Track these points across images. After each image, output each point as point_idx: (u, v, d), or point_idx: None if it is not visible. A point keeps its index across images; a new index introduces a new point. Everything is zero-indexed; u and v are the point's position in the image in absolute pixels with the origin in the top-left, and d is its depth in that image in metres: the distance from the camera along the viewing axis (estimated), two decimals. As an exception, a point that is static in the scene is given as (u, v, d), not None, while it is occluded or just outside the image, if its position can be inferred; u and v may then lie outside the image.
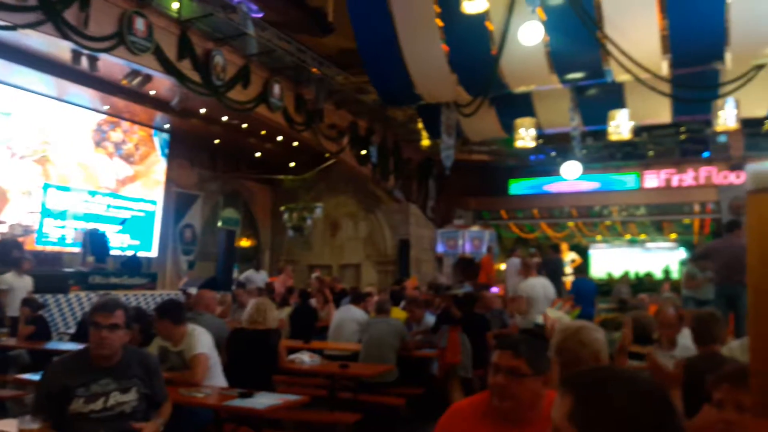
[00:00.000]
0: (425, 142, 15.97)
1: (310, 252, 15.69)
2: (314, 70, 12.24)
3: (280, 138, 13.81)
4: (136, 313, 4.53)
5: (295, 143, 13.83)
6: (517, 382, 1.89)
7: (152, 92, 11.43)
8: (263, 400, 3.69)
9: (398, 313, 7.35)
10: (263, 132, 13.17)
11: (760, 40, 9.59)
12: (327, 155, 13.47)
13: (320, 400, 5.56)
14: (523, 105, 13.28)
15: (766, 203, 1.41)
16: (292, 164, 15.96)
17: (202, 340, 4.10)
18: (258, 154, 15.11)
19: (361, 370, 5.40)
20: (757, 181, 1.43)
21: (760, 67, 10.76)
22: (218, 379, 4.25)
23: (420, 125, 15.14)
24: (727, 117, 11.69)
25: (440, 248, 16.46)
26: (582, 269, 13.00)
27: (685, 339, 3.86)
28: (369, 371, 5.42)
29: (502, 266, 14.66)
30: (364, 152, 13.50)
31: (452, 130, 13.47)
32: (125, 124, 13.48)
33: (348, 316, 7.09)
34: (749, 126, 14.55)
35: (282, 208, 14.41)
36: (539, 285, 7.16)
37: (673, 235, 20.69)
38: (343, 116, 13.28)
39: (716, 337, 3.26)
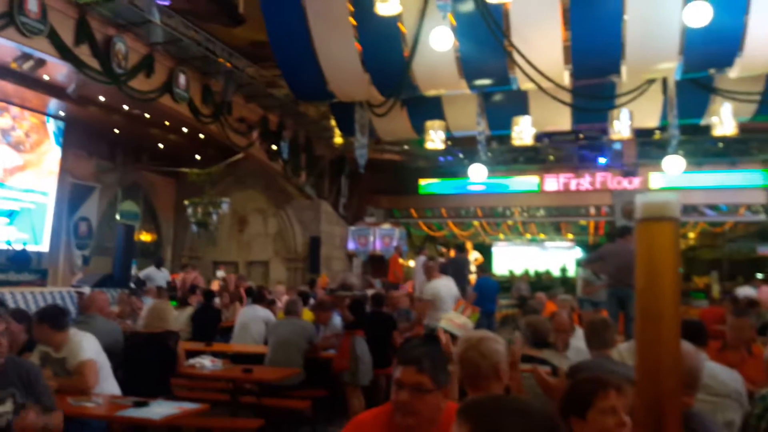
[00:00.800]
0: (338, 139, 15.92)
1: (215, 248, 15.25)
2: (223, 61, 11.87)
3: (185, 130, 13.30)
4: (20, 313, 4.22)
5: (202, 136, 13.37)
6: (420, 397, 1.89)
7: (46, 77, 10.66)
8: (159, 410, 3.54)
9: (307, 314, 7.28)
10: (167, 123, 12.64)
11: (653, 57, 10.25)
12: (236, 149, 13.13)
13: (223, 405, 5.41)
14: (434, 108, 13.53)
15: (653, 231, 1.47)
16: (198, 157, 15.44)
17: (84, 346, 3.88)
18: (161, 146, 14.49)
19: (265, 374, 5.29)
20: (645, 211, 1.49)
21: (651, 81, 11.54)
22: (109, 385, 4.05)
23: (333, 122, 15.11)
24: (621, 126, 12.43)
25: (351, 245, 16.49)
26: (485, 268, 13.45)
27: (579, 341, 4.07)
28: (273, 375, 5.32)
29: (411, 263, 14.89)
30: (274, 147, 13.25)
31: (365, 129, 13.51)
32: (15, 110, 12.50)
33: (253, 316, 6.95)
34: (641, 135, 15.58)
35: (186, 202, 13.89)
36: (443, 286, 7.31)
37: (570, 236, 21.82)
38: (253, 110, 12.98)
39: (607, 342, 3.45)
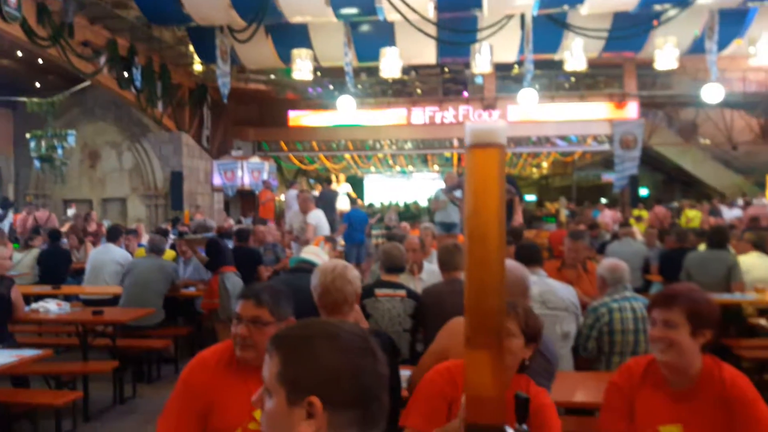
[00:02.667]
0: (198, 67, 15.00)
1: (65, 185, 14.03)
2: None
3: (20, 54, 11.86)
4: None
5: (41, 61, 12.00)
6: (259, 330, 1.88)
7: None
8: (-6, 360, 3.27)
9: (169, 254, 6.99)
10: (-2, 46, 11.20)
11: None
12: (82, 77, 11.95)
13: (77, 350, 5.13)
14: (300, 36, 13.12)
15: (480, 157, 1.49)
16: (38, 85, 13.88)
17: None
18: (-7, 72, 12.86)
19: (116, 315, 5.02)
20: (474, 138, 1.51)
21: (510, 17, 11.92)
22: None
23: (191, 48, 14.15)
24: (482, 61, 12.84)
25: (217, 180, 15.91)
26: (354, 200, 13.57)
27: (432, 264, 4.25)
28: (126, 316, 5.07)
29: (283, 197, 14.68)
30: (126, 75, 12.22)
31: (227, 56, 12.82)
32: None
33: (107, 256, 6.54)
34: (501, 70, 16.18)
35: (28, 136, 12.55)
36: (321, 217, 7.32)
37: (437, 167, 22.59)
38: (98, 33, 11.78)
39: (458, 265, 3.61)
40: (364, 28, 12.98)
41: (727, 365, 1.98)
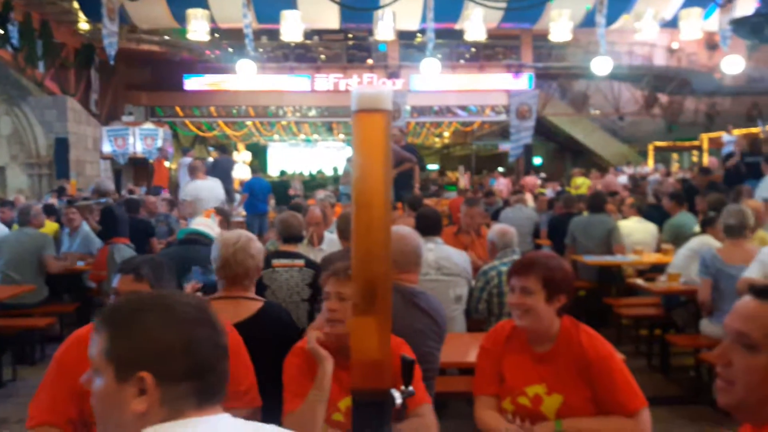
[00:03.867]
0: (84, 25, 13.94)
1: (-68, 153, 12.76)
2: None
3: None
4: None
5: None
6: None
7: None
8: None
9: (50, 227, 6.53)
10: None
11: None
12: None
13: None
14: (196, -6, 12.49)
15: (366, 122, 1.48)
16: None
17: None
18: None
19: (-14, 294, 4.64)
20: (359, 103, 1.48)
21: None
22: None
23: (76, 5, 13.10)
24: (385, 28, 12.79)
25: (107, 148, 14.99)
26: (256, 168, 13.22)
27: (333, 234, 4.23)
28: (1, 295, 4.70)
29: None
30: (1, 32, 11.15)
31: (114, 14, 11.99)
32: None
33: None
34: (404, 38, 16.21)
35: None
36: (206, 188, 7.06)
37: (342, 136, 22.45)
38: (-34, -16, 10.66)
39: (356, 233, 3.60)
40: (264, -13, 12.55)
41: (583, 325, 2.11)
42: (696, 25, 12.19)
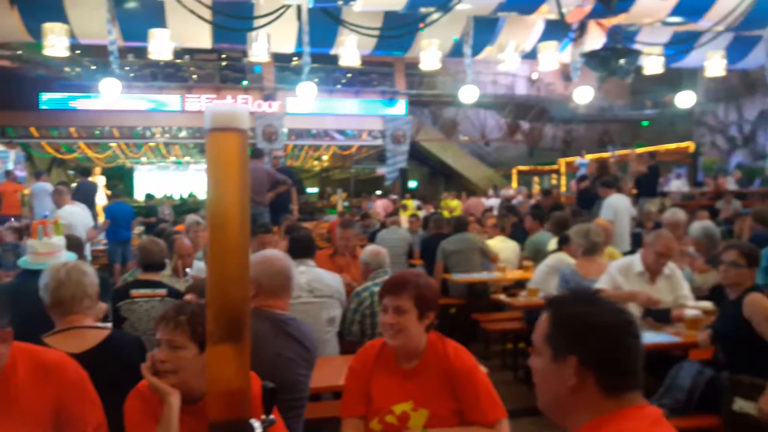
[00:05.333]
0: None
1: None
2: None
3: None
4: None
5: None
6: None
7: None
8: None
9: None
10: None
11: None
12: None
13: None
14: (53, 9, 11.67)
15: (220, 141, 1.43)
16: None
17: None
18: None
19: None
20: (213, 121, 1.44)
21: (287, 8, 11.91)
22: None
23: None
24: (260, 49, 12.65)
25: (-53, 170, 13.49)
26: (119, 193, 12.46)
27: (201, 261, 4.06)
28: None
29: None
30: None
31: (-44, 24, 10.90)
32: None
33: None
34: (280, 60, 16.13)
35: None
36: (77, 213, 6.61)
37: (216, 158, 21.77)
38: None
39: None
40: (131, 4, 11.99)
41: (449, 340, 2.16)
42: (553, 57, 13.17)
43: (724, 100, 17.55)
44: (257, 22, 12.09)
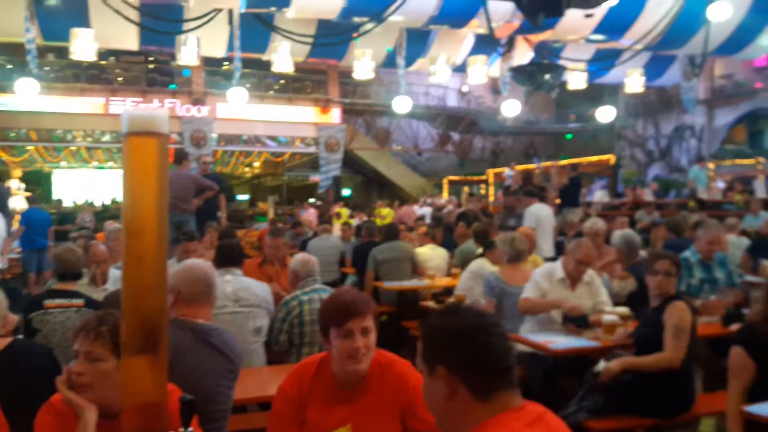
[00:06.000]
0: None
1: None
2: None
3: None
4: None
5: None
6: None
7: None
8: None
9: None
10: None
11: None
12: None
13: None
14: (-36, 3, 11.00)
15: (137, 146, 1.40)
16: None
17: None
18: None
19: None
20: (131, 125, 1.40)
21: (218, 11, 11.70)
22: None
23: None
24: (189, 53, 12.36)
25: None
26: (35, 198, 11.82)
27: (118, 271, 3.90)
28: None
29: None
30: None
31: None
32: None
33: None
34: (210, 64, 15.81)
35: None
36: None
37: (142, 163, 21.05)
38: None
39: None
40: (51, 2, 11.47)
41: (389, 353, 2.05)
42: (482, 70, 13.52)
43: (642, 115, 18.51)
44: (187, 26, 11.82)
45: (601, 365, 3.00)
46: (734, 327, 3.31)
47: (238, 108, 15.17)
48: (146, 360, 1.37)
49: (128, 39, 12.75)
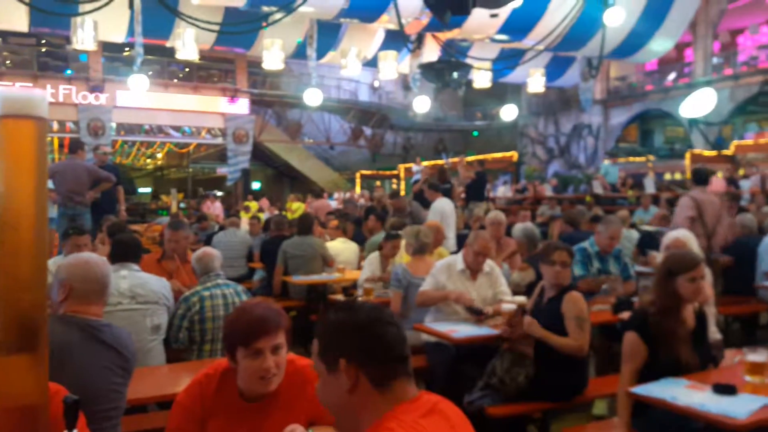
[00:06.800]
0: None
1: None
2: None
3: None
4: None
5: None
6: None
7: None
8: None
9: None
10: None
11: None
12: None
13: None
14: None
15: (13, 129, 1.30)
16: None
17: None
18: None
19: None
20: (6, 107, 1.31)
21: (118, -6, 11.10)
22: None
23: None
24: (86, 36, 11.66)
25: None
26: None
27: None
28: None
29: None
30: None
31: None
32: None
33: None
34: (109, 50, 15.00)
35: None
36: None
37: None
38: None
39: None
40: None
41: (297, 358, 1.94)
42: (392, 66, 13.63)
43: (543, 114, 19.37)
44: (83, 7, 11.13)
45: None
46: (624, 315, 3.52)
47: (139, 96, 14.52)
48: (24, 359, 1.29)
49: (16, 19, 11.87)
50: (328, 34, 13.27)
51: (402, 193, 17.58)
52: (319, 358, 1.30)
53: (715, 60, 15.95)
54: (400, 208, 7.69)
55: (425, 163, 14.21)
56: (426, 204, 7.78)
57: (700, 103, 13.27)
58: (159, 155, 21.26)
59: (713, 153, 13.81)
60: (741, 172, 11.92)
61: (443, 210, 6.76)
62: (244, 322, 1.81)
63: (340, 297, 4.86)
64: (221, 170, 20.44)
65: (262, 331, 1.77)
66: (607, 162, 13.44)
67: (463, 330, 3.46)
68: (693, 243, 3.92)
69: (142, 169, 24.11)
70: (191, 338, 3.23)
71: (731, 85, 15.17)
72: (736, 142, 13.91)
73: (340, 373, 1.25)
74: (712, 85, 14.40)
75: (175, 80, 17.02)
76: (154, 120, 16.52)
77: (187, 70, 17.31)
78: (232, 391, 1.83)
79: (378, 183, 20.26)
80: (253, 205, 13.33)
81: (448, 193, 8.12)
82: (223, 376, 1.85)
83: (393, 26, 12.03)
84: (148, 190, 24.40)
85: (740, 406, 2.19)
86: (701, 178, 5.57)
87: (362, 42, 13.65)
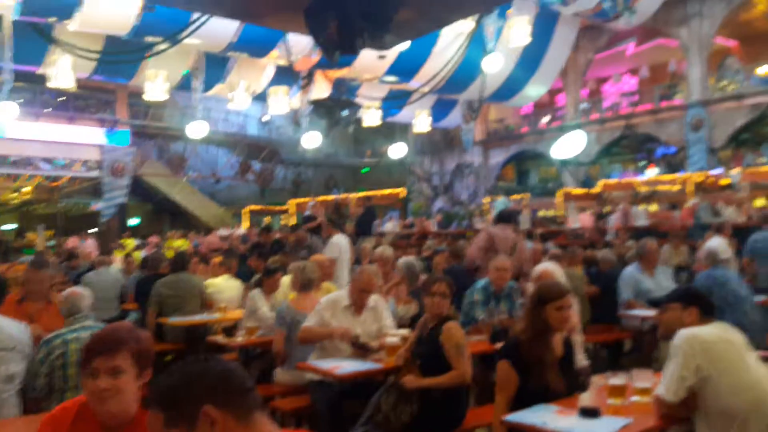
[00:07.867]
0: None
1: None
2: None
3: None
4: None
5: None
6: None
7: None
8: None
9: None
10: None
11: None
12: None
13: None
14: None
15: None
16: None
17: None
18: None
19: None
20: None
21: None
22: None
23: None
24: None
25: None
26: None
27: None
28: None
29: None
30: None
31: None
32: None
33: None
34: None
35: None
36: None
37: None
38: None
39: None
40: None
41: None
42: (283, 101, 13.59)
43: (429, 153, 20.08)
44: (-59, 27, 10.27)
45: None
46: (500, 344, 3.65)
47: (6, 125, 13.45)
48: None
49: None
50: (215, 66, 13.03)
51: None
52: (175, 421, 1.25)
53: (583, 105, 17.36)
54: (300, 240, 7.60)
55: (318, 199, 14.22)
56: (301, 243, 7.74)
57: (570, 145, 14.35)
58: (26, 189, 19.66)
59: (582, 191, 14.88)
60: (607, 209, 12.89)
61: (340, 245, 6.77)
62: (87, 342, 1.90)
63: (220, 338, 4.66)
64: (95, 205, 19.23)
65: (96, 350, 1.80)
66: (504, 198, 14.07)
67: (346, 366, 3.44)
68: (559, 274, 4.16)
69: (6, 204, 22.16)
70: (51, 385, 2.96)
71: (597, 129, 16.53)
72: (602, 181, 15.08)
73: (207, 420, 1.24)
74: (582, 128, 15.63)
75: (48, 109, 15.96)
76: (21, 151, 15.33)
77: (62, 99, 16.30)
78: (91, 422, 1.80)
79: (268, 219, 19.91)
80: (130, 242, 12.63)
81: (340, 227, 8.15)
82: (82, 408, 1.83)
83: (283, 62, 12.06)
84: (12, 226, 22.44)
85: (603, 428, 2.34)
86: (502, 217, 6.34)
87: (252, 76, 13.54)
